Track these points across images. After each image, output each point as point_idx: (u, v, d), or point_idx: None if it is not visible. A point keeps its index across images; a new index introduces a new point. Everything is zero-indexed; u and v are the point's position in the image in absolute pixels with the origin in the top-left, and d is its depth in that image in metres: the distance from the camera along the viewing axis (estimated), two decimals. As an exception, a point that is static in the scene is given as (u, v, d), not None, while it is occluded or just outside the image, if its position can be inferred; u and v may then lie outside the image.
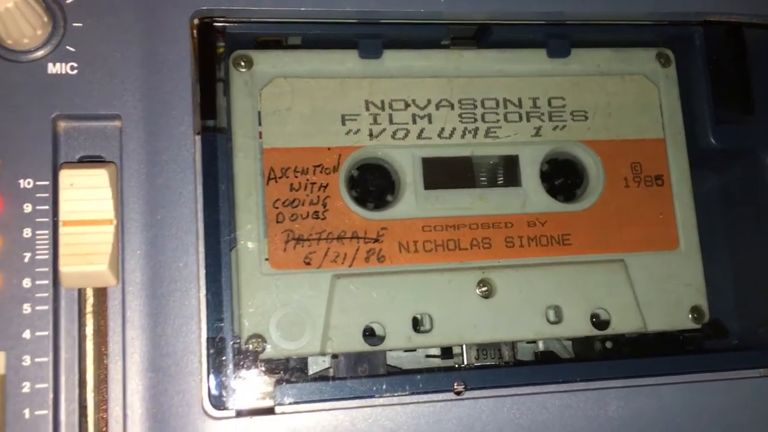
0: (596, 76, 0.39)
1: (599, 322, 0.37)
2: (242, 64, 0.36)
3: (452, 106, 0.37)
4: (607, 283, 0.37)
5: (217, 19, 0.35)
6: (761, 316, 0.38)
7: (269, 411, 0.32)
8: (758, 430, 0.35)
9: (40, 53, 0.32)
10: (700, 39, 0.39)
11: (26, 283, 0.31)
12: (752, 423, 0.35)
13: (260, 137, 0.35)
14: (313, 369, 0.35)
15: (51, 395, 0.30)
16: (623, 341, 0.37)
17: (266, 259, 0.34)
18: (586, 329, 0.36)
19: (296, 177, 0.35)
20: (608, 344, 0.37)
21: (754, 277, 0.39)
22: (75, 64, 0.32)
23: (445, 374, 0.34)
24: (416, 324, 0.35)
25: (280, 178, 0.35)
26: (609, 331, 0.36)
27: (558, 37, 0.39)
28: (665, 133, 0.39)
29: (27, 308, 0.30)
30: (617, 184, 0.38)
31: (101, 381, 0.31)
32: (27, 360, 0.30)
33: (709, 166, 0.40)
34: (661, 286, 0.37)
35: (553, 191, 0.38)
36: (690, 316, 0.38)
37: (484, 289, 0.36)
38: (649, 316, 0.37)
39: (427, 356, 0.38)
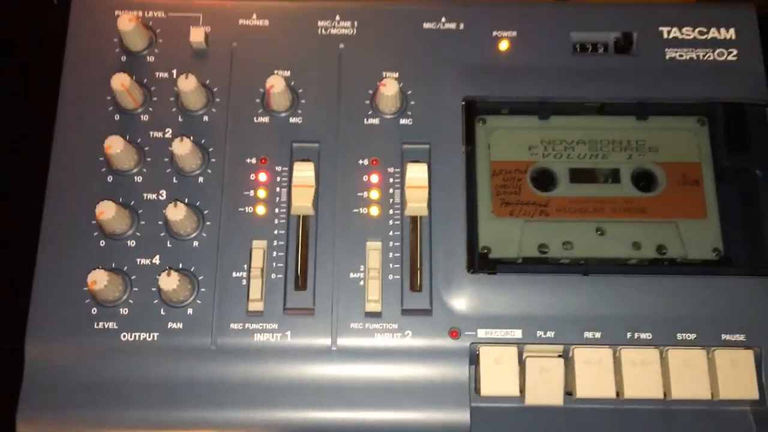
0: (663, 130, 0.74)
1: (662, 252, 0.70)
2: (481, 122, 0.74)
3: (585, 144, 0.74)
4: (666, 232, 0.70)
5: (472, 99, 0.74)
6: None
7: (493, 272, 0.68)
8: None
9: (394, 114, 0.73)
10: (720, 111, 0.73)
11: (390, 212, 0.70)
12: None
13: (490, 156, 0.73)
14: (511, 268, 0.72)
15: (400, 255, 0.69)
16: (675, 263, 0.70)
17: (491, 211, 0.71)
18: (654, 255, 0.70)
19: (506, 175, 0.73)
20: (666, 263, 0.70)
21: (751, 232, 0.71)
22: (410, 121, 0.72)
23: (580, 266, 0.69)
24: (563, 247, 0.71)
25: (498, 174, 0.72)
26: (667, 257, 0.70)
27: (642, 110, 0.74)
28: (701, 159, 0.72)
29: (390, 222, 0.69)
30: (674, 184, 0.72)
31: (420, 256, 0.69)
32: (390, 244, 0.69)
33: (726, 177, 0.72)
34: (696, 235, 0.69)
35: (638, 187, 0.72)
36: (713, 252, 0.70)
37: (599, 232, 0.71)
38: (690, 250, 0.69)
39: (570, 269, 0.73)
